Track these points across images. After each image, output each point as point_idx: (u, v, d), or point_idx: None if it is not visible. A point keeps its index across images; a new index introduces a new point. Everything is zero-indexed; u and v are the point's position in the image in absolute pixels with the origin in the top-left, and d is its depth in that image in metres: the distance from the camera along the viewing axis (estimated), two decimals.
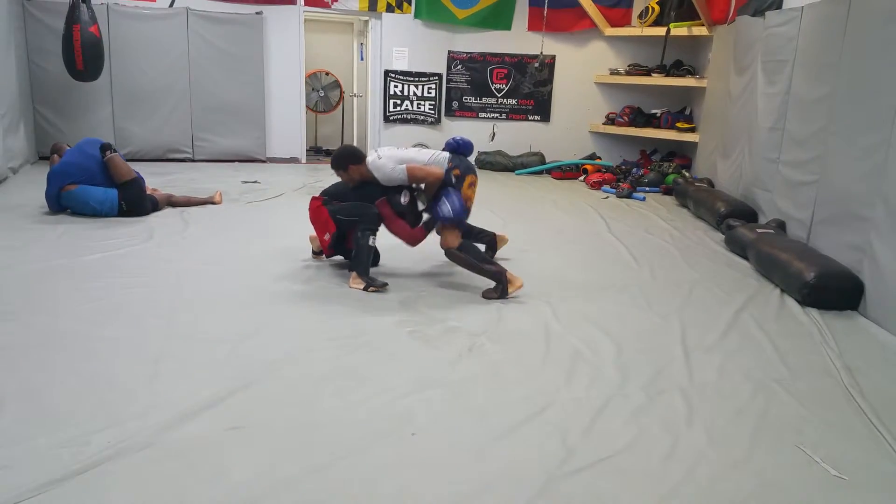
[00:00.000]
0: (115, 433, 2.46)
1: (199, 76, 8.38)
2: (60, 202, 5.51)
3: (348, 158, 4.20)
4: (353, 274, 4.16)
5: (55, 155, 5.77)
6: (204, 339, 3.33)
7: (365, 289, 4.08)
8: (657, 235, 5.90)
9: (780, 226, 5.30)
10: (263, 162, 8.82)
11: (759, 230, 5.17)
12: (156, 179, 6.89)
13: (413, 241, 4.31)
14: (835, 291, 4.11)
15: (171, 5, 8.25)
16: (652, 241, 5.70)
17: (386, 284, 4.12)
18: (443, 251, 4.20)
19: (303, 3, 8.72)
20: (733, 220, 5.76)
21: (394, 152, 4.18)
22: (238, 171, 7.93)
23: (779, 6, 6.21)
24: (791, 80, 5.55)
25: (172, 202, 6.04)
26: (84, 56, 7.07)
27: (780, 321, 3.96)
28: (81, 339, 3.27)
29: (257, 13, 8.53)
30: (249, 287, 4.10)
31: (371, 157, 4.16)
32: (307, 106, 9.69)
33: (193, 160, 8.54)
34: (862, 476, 2.45)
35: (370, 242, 4.13)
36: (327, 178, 7.89)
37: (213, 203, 6.22)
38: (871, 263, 4.03)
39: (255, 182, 7.39)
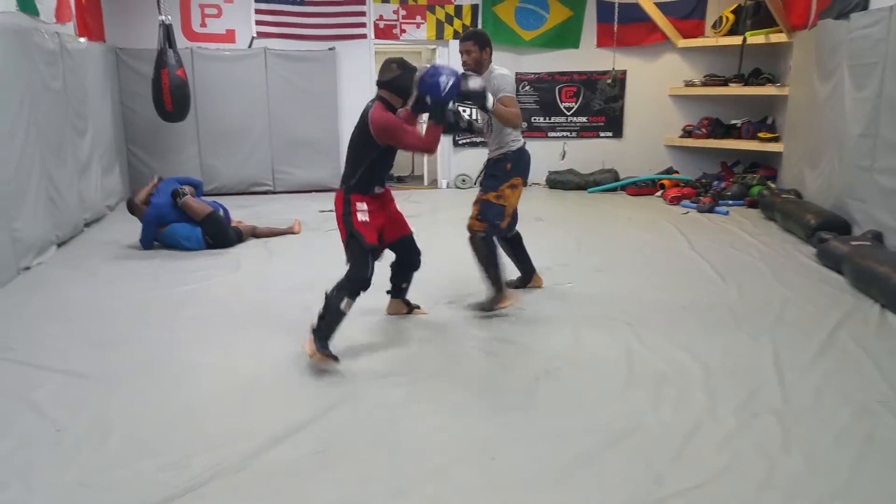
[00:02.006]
0: (209, 458, 2.56)
1: (277, 112, 8.71)
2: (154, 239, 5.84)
3: (488, 40, 4.07)
4: (311, 338, 3.40)
5: (139, 198, 6.07)
6: (288, 365, 3.42)
7: (311, 356, 3.36)
8: (743, 251, 5.68)
9: (877, 237, 5.01)
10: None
11: (853, 242, 4.89)
12: (241, 212, 7.16)
13: (429, 147, 3.65)
14: None
15: (250, 46, 8.63)
16: (738, 256, 5.49)
17: (337, 360, 3.36)
18: (469, 234, 4.12)
19: (373, 36, 8.96)
20: (825, 232, 5.49)
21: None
22: (315, 201, 8.15)
23: (864, 7, 5.93)
24: (883, 83, 5.28)
25: (256, 234, 6.30)
26: (172, 98, 7.46)
27: (881, 339, 3.72)
28: (176, 367, 3.43)
29: (330, 49, 8.81)
30: None
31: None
32: None
33: (274, 192, 8.85)
34: None
35: (343, 307, 3.44)
36: (400, 204, 8.00)
37: (293, 233, 6.45)
38: None
39: (332, 211, 7.56)
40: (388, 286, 4.11)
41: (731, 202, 7.74)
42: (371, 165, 3.58)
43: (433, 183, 9.94)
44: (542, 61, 9.42)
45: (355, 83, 8.99)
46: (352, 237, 3.58)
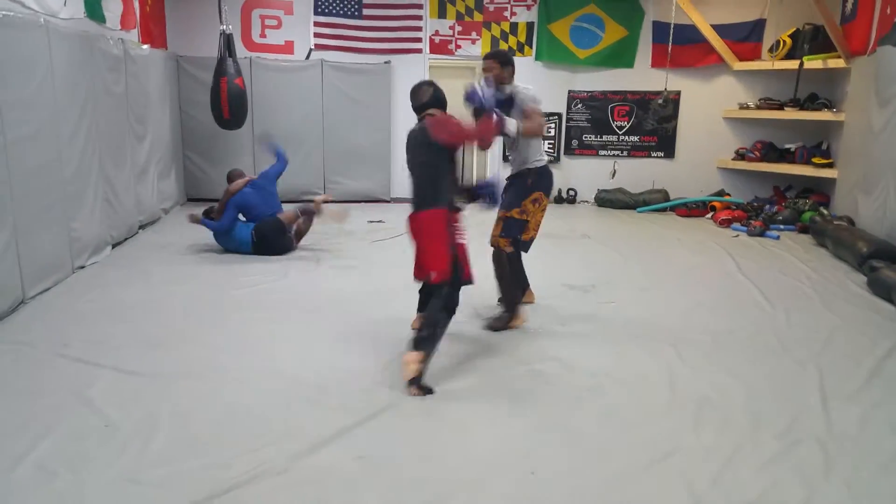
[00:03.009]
0: (253, 459, 2.65)
1: (331, 122, 8.91)
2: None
3: (510, 59, 4.19)
4: (417, 354, 3.30)
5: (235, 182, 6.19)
6: (331, 371, 3.51)
7: (411, 382, 3.26)
8: (793, 276, 5.59)
9: None
10: (388, 202, 9.18)
11: None
12: None
13: (483, 135, 3.88)
14: None
15: (308, 58, 8.86)
16: (787, 282, 5.41)
17: (432, 392, 3.28)
18: (493, 248, 4.22)
19: (428, 51, 9.11)
20: (877, 261, 5.36)
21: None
22: (365, 211, 8.30)
23: None
24: None
25: (298, 229, 6.32)
26: (230, 106, 7.70)
27: None
28: (223, 369, 3.54)
29: (386, 62, 8.99)
30: (377, 322, 4.27)
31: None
32: None
33: (326, 202, 9.00)
34: None
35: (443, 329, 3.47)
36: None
37: (316, 211, 6.33)
38: None
39: (380, 221, 7.71)
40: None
41: (782, 227, 7.61)
42: (446, 176, 3.63)
43: None
44: (596, 80, 9.43)
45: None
46: (454, 261, 3.53)
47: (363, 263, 5.82)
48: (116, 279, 5.18)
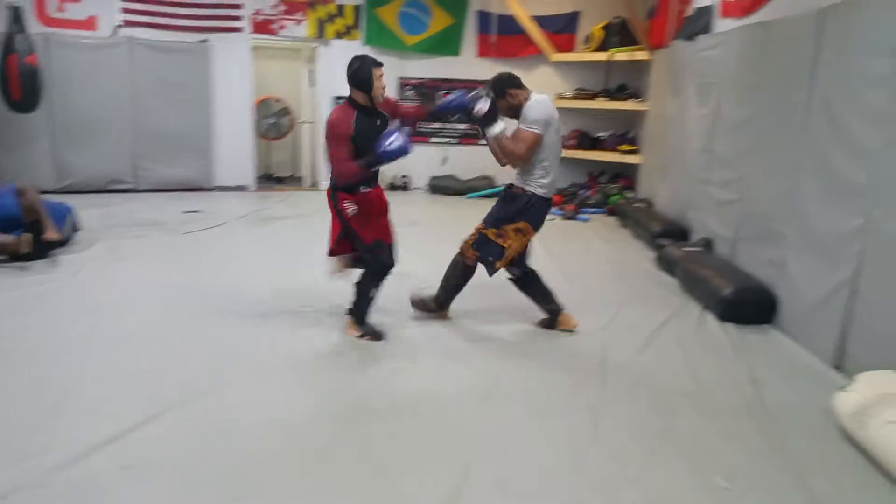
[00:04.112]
0: (11, 473, 2.41)
1: (142, 105, 8.30)
2: None
3: (505, 83, 3.83)
4: (349, 319, 3.87)
5: None
6: (111, 374, 3.28)
7: (360, 336, 3.77)
8: (594, 255, 5.97)
9: (708, 244, 5.38)
10: (210, 190, 8.76)
11: (685, 248, 5.25)
12: (96, 211, 6.82)
13: (337, 174, 3.61)
14: (751, 306, 4.20)
15: (115, 34, 8.21)
16: (588, 260, 5.76)
17: (381, 336, 3.78)
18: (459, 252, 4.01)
19: (250, 30, 8.76)
20: (664, 239, 5.85)
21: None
22: (182, 200, 7.86)
23: (707, 30, 6.37)
24: (719, 102, 5.68)
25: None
26: (21, 86, 6.98)
27: (697, 337, 4.01)
28: None
29: (202, 41, 8.53)
30: (167, 322, 4.03)
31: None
32: (258, 133, 9.68)
33: (136, 190, 8.42)
34: (747, 483, 2.47)
35: (371, 295, 3.79)
36: (273, 205, 7.87)
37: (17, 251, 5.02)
38: (785, 279, 4.10)
39: (195, 211, 7.33)
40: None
41: (592, 210, 8.11)
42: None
43: (314, 185, 9.82)
44: (426, 67, 9.54)
45: (230, 78, 8.75)
46: (350, 233, 3.70)
47: (168, 256, 5.49)
48: None
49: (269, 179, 10.25)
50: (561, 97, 9.40)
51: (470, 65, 9.48)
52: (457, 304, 4.14)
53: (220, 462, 2.55)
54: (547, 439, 2.76)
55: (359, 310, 3.81)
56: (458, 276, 4.01)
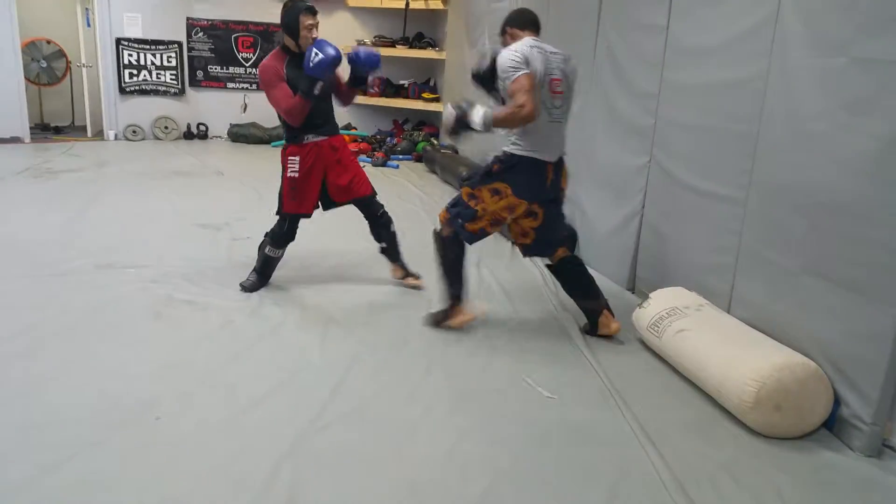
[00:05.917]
0: None
1: None
2: None
3: (506, 21, 3.37)
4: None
5: None
6: None
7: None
8: (408, 200, 6.24)
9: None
10: None
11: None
12: None
13: (287, 114, 3.52)
14: None
15: None
16: (403, 205, 6.01)
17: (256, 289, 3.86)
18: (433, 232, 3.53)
19: None
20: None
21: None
22: None
23: None
24: None
25: None
26: None
27: (510, 271, 4.46)
28: None
29: None
30: None
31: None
32: (27, 78, 8.62)
33: None
34: (567, 393, 2.91)
35: (268, 252, 3.84)
36: (56, 157, 7.14)
37: None
38: (581, 215, 4.67)
39: None
40: None
41: (401, 157, 8.38)
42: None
43: (98, 134, 9.03)
44: (217, 7, 9.09)
45: None
46: (279, 195, 3.77)
47: None
48: None
49: (46, 129, 9.21)
50: (361, 44, 9.44)
51: (264, 6, 9.14)
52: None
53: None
54: (380, 380, 3.00)
55: (262, 270, 3.90)
56: (445, 255, 3.41)
